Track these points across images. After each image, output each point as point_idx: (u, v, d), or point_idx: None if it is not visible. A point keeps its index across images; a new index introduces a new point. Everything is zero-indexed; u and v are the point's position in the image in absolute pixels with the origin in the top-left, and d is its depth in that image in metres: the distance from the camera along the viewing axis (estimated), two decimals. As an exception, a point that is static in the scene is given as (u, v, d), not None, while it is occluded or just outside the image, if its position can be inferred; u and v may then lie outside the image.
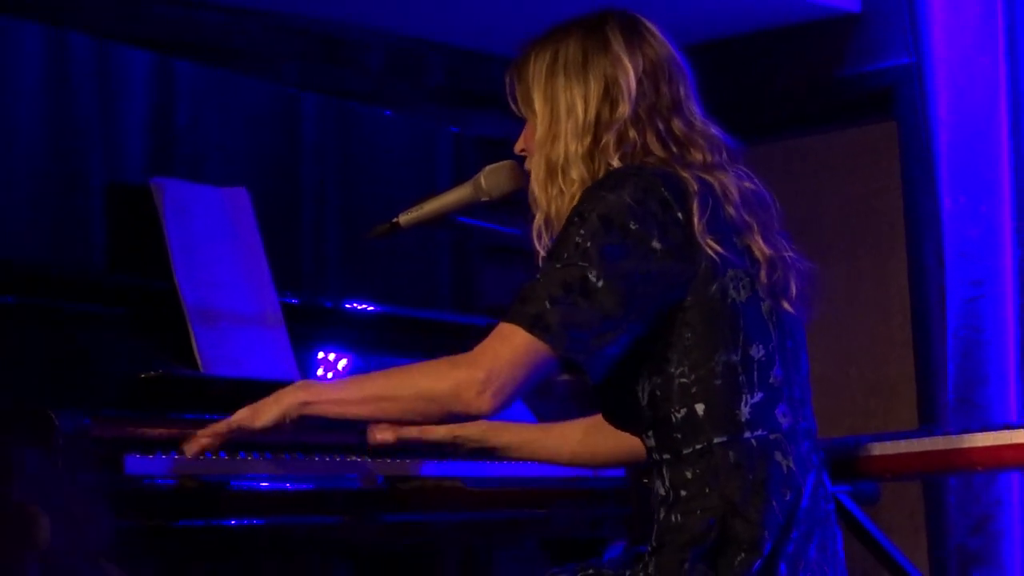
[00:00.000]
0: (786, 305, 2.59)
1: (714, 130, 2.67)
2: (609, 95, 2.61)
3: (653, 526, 2.54)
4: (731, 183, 2.59)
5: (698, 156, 2.60)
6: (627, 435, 2.69)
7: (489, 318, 4.11)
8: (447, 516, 3.37)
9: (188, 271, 3.40)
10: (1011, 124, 4.87)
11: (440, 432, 2.98)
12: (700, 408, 2.51)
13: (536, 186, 2.65)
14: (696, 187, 2.53)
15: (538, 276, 2.50)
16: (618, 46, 2.64)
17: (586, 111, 2.61)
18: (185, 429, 2.81)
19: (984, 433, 3.08)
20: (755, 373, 2.53)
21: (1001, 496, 4.82)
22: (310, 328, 3.66)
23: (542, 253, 2.62)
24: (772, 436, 2.53)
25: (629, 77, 2.62)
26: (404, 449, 3.11)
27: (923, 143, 5.03)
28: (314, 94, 4.27)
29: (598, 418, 2.80)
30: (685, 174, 2.55)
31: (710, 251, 2.50)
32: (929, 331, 5.08)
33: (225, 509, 2.91)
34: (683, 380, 2.52)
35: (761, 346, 2.54)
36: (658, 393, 2.53)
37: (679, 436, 2.53)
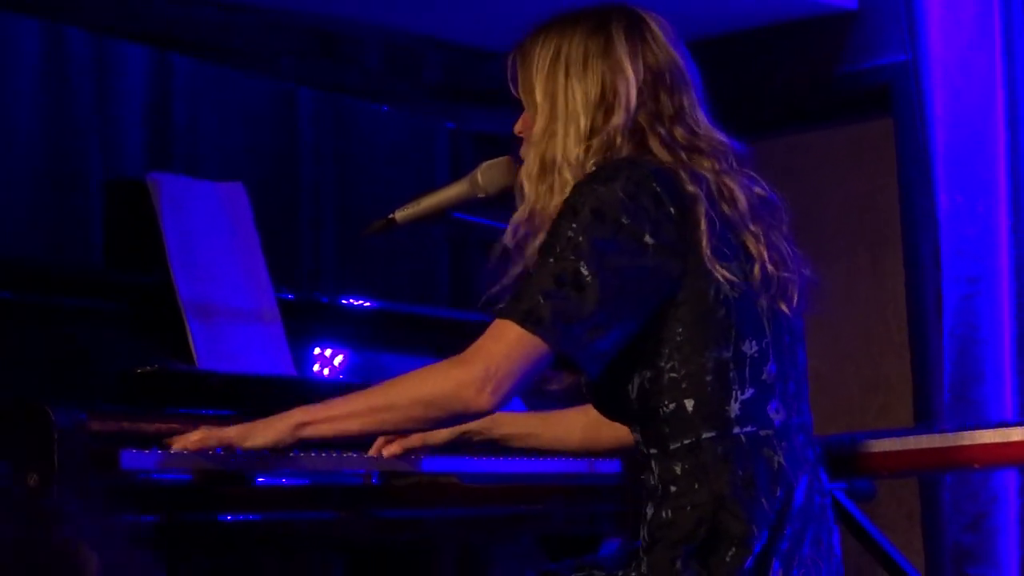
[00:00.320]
0: (782, 304, 2.59)
1: (720, 135, 2.65)
2: (605, 101, 2.60)
3: (643, 520, 2.54)
4: (737, 187, 2.59)
5: (705, 163, 2.59)
6: None
7: (486, 314, 4.11)
8: (444, 512, 3.37)
9: (185, 266, 3.40)
10: (1008, 122, 4.87)
11: (444, 434, 2.98)
12: (689, 403, 2.51)
13: (526, 179, 2.63)
14: (698, 190, 2.52)
15: (532, 270, 2.50)
16: (620, 50, 2.61)
17: (585, 115, 2.60)
18: (181, 424, 2.81)
19: (980, 431, 3.08)
20: (747, 369, 2.53)
21: (997, 493, 4.82)
22: (306, 324, 3.66)
23: (509, 247, 2.62)
24: (763, 433, 2.53)
25: (629, 86, 2.60)
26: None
27: (920, 141, 5.03)
28: (311, 90, 4.28)
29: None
30: (687, 185, 2.53)
31: (718, 275, 2.50)
32: (925, 329, 5.09)
33: (221, 504, 2.91)
34: (673, 375, 2.52)
35: (754, 342, 2.54)
36: (648, 387, 2.53)
37: (667, 430, 2.52)
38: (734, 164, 2.62)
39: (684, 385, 2.51)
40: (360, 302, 3.85)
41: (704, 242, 2.50)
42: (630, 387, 2.55)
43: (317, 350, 3.67)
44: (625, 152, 2.58)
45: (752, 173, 2.65)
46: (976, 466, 3.15)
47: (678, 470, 2.51)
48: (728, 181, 2.58)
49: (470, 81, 5.29)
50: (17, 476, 2.64)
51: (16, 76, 3.53)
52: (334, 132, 4.25)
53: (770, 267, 2.57)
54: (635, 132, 2.60)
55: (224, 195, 3.62)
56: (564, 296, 2.44)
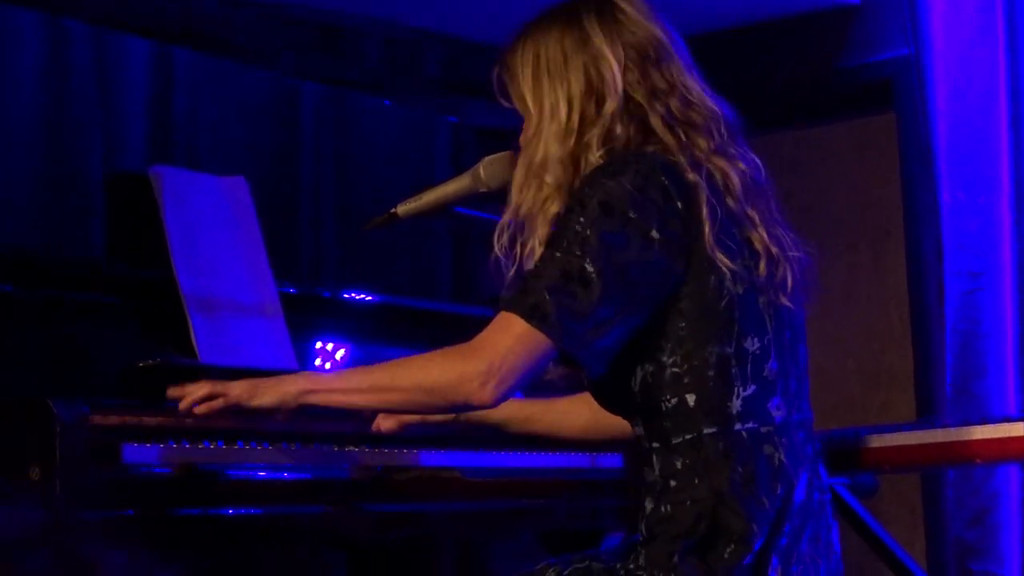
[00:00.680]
0: (784, 299, 2.58)
1: (712, 103, 2.64)
2: (593, 92, 2.60)
3: (642, 514, 2.54)
4: (732, 170, 2.58)
5: (702, 142, 2.59)
6: None
7: (488, 309, 4.11)
8: (444, 507, 3.37)
9: (186, 260, 3.40)
10: (1011, 116, 4.86)
11: (441, 414, 2.98)
12: (691, 398, 2.51)
13: (515, 183, 2.64)
14: (702, 184, 2.52)
15: (537, 264, 2.49)
16: (597, 38, 2.61)
17: (569, 113, 2.59)
18: (183, 418, 2.80)
19: (983, 426, 3.08)
20: (749, 366, 2.53)
21: (999, 489, 4.82)
22: (308, 318, 3.65)
23: (498, 253, 2.62)
24: (763, 429, 2.53)
25: (613, 70, 2.60)
26: (406, 435, 3.11)
27: (922, 135, 5.02)
28: (312, 84, 4.27)
29: None
30: (690, 174, 2.53)
31: (720, 264, 2.49)
32: (928, 323, 5.09)
33: (222, 498, 2.91)
34: (675, 370, 2.51)
35: (756, 339, 2.54)
36: (650, 381, 2.53)
37: (669, 425, 2.52)
38: (726, 136, 2.61)
39: (686, 380, 2.51)
40: (362, 296, 3.85)
41: (708, 237, 2.50)
42: (632, 381, 2.54)
43: (319, 344, 3.67)
44: (629, 135, 2.58)
45: (741, 148, 2.64)
46: (979, 461, 3.14)
47: (679, 465, 2.51)
48: (722, 163, 2.58)
49: (471, 75, 5.29)
50: (19, 470, 2.63)
51: (17, 69, 3.53)
52: (335, 126, 4.25)
53: (774, 251, 2.57)
54: (634, 113, 2.59)
55: (226, 189, 3.62)
56: (569, 292, 2.44)
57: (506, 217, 2.63)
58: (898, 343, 5.28)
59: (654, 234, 2.47)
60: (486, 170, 2.95)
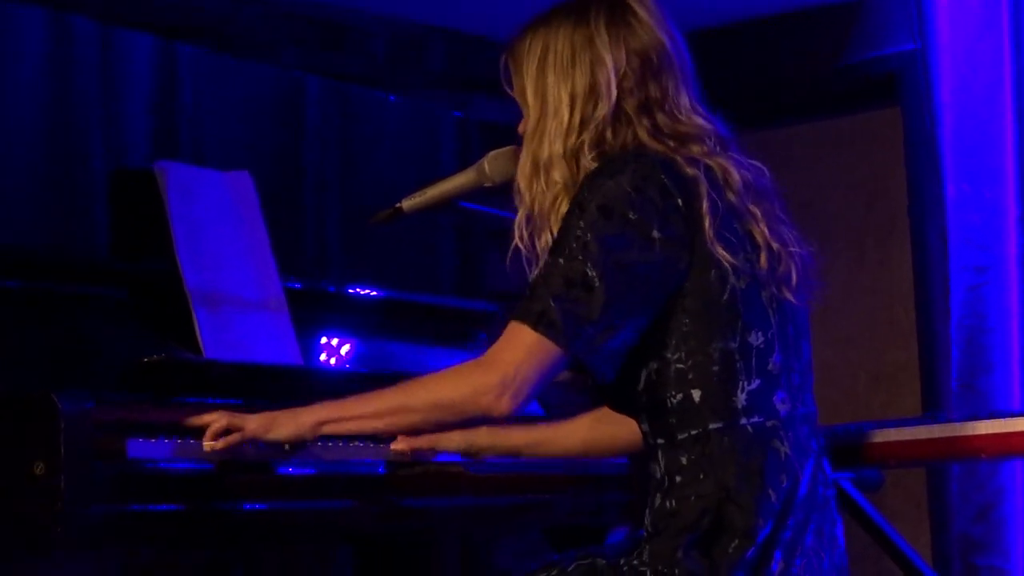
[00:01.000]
0: (787, 293, 2.58)
1: (701, 120, 2.64)
2: (595, 93, 2.60)
3: (647, 510, 2.54)
4: (732, 167, 2.59)
5: (694, 148, 2.59)
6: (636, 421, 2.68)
7: (492, 304, 4.11)
8: (451, 502, 3.37)
9: (191, 255, 3.40)
10: (1016, 110, 4.86)
11: (454, 443, 2.99)
12: (696, 394, 2.51)
13: (521, 181, 2.64)
14: (701, 178, 2.52)
15: (541, 271, 2.50)
16: (601, 40, 2.61)
17: (571, 110, 2.60)
18: (187, 413, 2.80)
19: (988, 420, 3.08)
20: (753, 360, 2.53)
21: (1004, 484, 4.81)
22: (313, 313, 3.65)
23: (521, 248, 2.63)
24: (769, 423, 2.53)
25: (609, 75, 2.59)
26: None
27: (927, 129, 5.02)
28: (317, 78, 4.27)
29: (604, 408, 2.80)
30: (689, 169, 2.53)
31: (720, 258, 2.49)
32: (933, 318, 5.08)
33: (227, 494, 2.91)
34: (680, 366, 2.52)
35: (760, 333, 2.54)
36: (655, 378, 2.53)
37: (674, 421, 2.52)
38: (717, 148, 2.61)
39: (691, 376, 2.51)
40: (367, 291, 3.85)
41: (709, 231, 2.50)
42: (637, 378, 2.55)
43: (324, 339, 3.67)
44: (617, 142, 2.58)
45: (737, 156, 2.64)
46: (984, 456, 3.14)
47: (684, 460, 2.51)
48: (721, 161, 2.58)
49: (476, 69, 5.29)
50: (23, 465, 2.63)
51: (21, 65, 3.53)
52: (340, 121, 4.25)
53: (775, 245, 2.57)
54: (623, 121, 2.59)
55: (231, 184, 3.62)
56: (574, 299, 2.45)
57: (522, 213, 2.63)
58: (903, 338, 5.28)
59: (655, 233, 2.47)
60: (491, 165, 2.95)
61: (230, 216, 3.55)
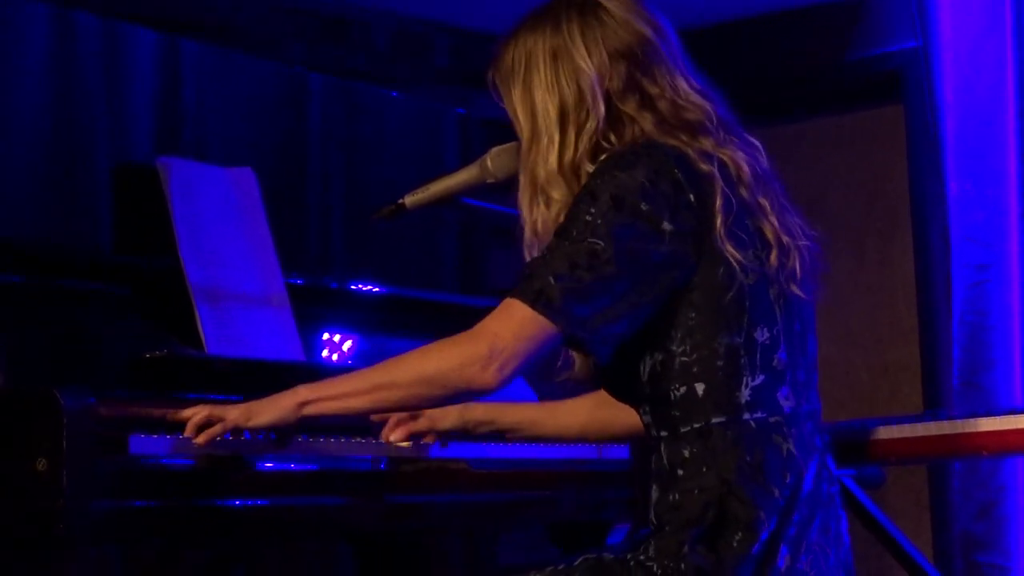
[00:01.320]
0: (795, 288, 2.58)
1: (702, 100, 2.61)
2: (584, 101, 2.58)
3: (648, 502, 2.54)
4: (740, 159, 2.58)
5: (704, 140, 2.58)
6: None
7: (495, 300, 4.11)
8: (452, 498, 3.37)
9: (194, 251, 3.40)
10: (1018, 108, 4.86)
11: (450, 420, 2.97)
12: (700, 388, 2.51)
13: (523, 203, 2.63)
14: (716, 175, 2.51)
15: (545, 252, 2.49)
16: (577, 50, 2.59)
17: (563, 125, 2.58)
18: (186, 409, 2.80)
19: (990, 418, 3.07)
20: (758, 356, 2.53)
21: (1006, 481, 4.82)
22: (315, 309, 3.65)
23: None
24: (772, 419, 2.53)
25: (593, 84, 2.57)
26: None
27: (930, 127, 5.02)
28: (320, 75, 4.27)
29: (604, 393, 2.80)
30: (703, 165, 2.52)
31: (730, 256, 2.49)
32: (935, 315, 5.08)
33: (229, 490, 2.91)
34: (684, 359, 2.51)
35: (766, 329, 2.54)
36: (659, 370, 2.53)
37: (677, 414, 2.52)
38: (721, 131, 2.60)
39: (695, 369, 2.51)
40: (369, 287, 3.85)
41: (720, 227, 2.49)
42: (641, 370, 2.54)
43: (326, 335, 3.67)
44: (622, 142, 2.57)
45: (739, 138, 2.63)
46: (985, 453, 3.14)
47: (687, 454, 2.51)
48: (730, 153, 2.57)
49: (480, 66, 5.27)
50: (26, 461, 2.64)
51: (25, 61, 3.53)
52: (343, 117, 4.25)
53: (785, 239, 2.56)
54: (625, 122, 2.58)
55: (233, 180, 3.62)
56: (576, 279, 2.44)
57: (527, 235, 2.61)
58: (905, 335, 5.28)
59: (665, 226, 2.47)
60: (493, 161, 2.94)
61: (233, 212, 3.56)
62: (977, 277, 4.88)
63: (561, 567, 2.53)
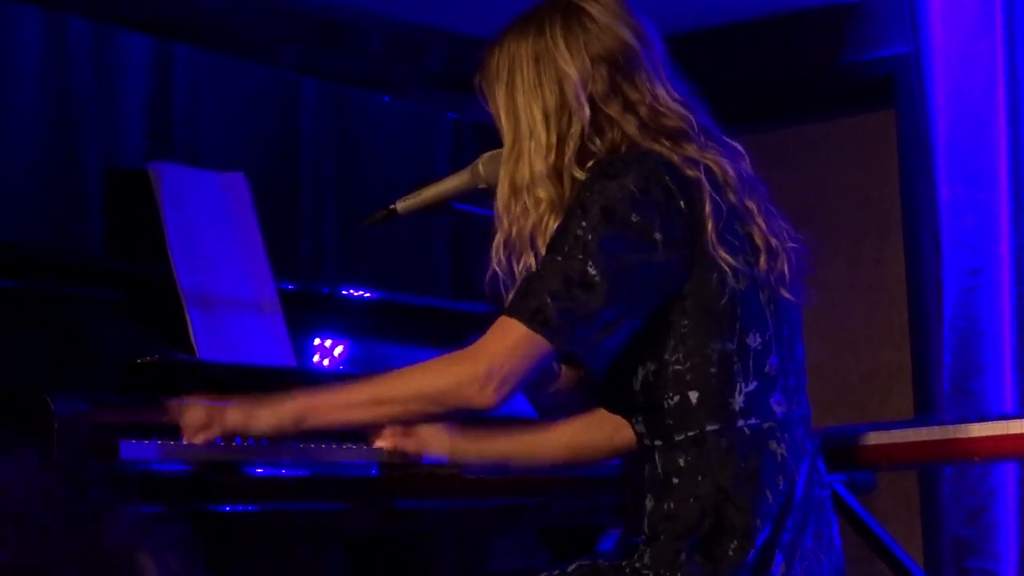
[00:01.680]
0: (784, 292, 2.58)
1: (683, 108, 2.61)
2: (566, 106, 2.58)
3: (642, 512, 2.54)
4: (725, 163, 2.58)
5: (690, 148, 2.58)
6: (623, 426, 2.68)
7: (487, 305, 4.11)
8: (444, 504, 3.37)
9: (185, 256, 3.40)
10: (1009, 113, 4.87)
11: (440, 447, 2.98)
12: (693, 396, 2.51)
13: (500, 204, 2.62)
14: (704, 181, 2.51)
15: (539, 268, 2.49)
16: (560, 54, 2.59)
17: (547, 128, 2.58)
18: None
19: (980, 423, 3.08)
20: (751, 362, 2.53)
21: (996, 487, 4.82)
22: (307, 314, 3.65)
23: (499, 272, 2.61)
24: (766, 425, 2.53)
25: (576, 89, 2.58)
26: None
27: (921, 132, 5.03)
28: (313, 79, 4.27)
29: (592, 413, 2.80)
30: (690, 171, 2.53)
31: (721, 262, 2.49)
32: (926, 320, 5.09)
33: (220, 495, 2.91)
34: (677, 367, 2.51)
35: (758, 335, 2.54)
36: (652, 379, 2.53)
37: (671, 422, 2.52)
38: (702, 137, 2.60)
39: (688, 377, 2.51)
40: (361, 293, 3.85)
41: (711, 233, 2.50)
42: (634, 379, 2.54)
43: (317, 340, 3.67)
44: (606, 146, 2.58)
45: (721, 143, 2.63)
46: (976, 459, 3.15)
47: (681, 462, 2.51)
48: (715, 157, 2.57)
49: (473, 71, 5.28)
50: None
51: (17, 65, 3.53)
52: (336, 121, 4.25)
53: (774, 243, 2.57)
54: (610, 126, 2.59)
55: (225, 185, 3.62)
56: (571, 297, 2.44)
57: (499, 238, 2.61)
58: (896, 340, 5.29)
59: (657, 235, 2.47)
60: (485, 166, 2.94)
61: (224, 217, 3.55)
62: (968, 282, 4.89)
63: (556, 573, 2.53)
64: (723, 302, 2.50)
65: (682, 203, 2.49)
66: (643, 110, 2.59)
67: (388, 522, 3.29)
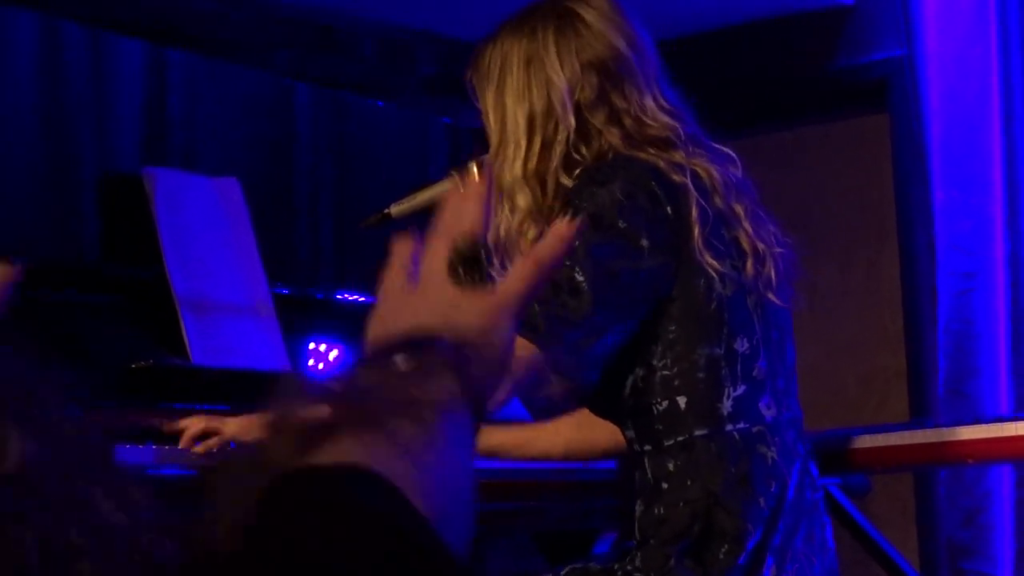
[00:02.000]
0: (771, 296, 2.59)
1: (669, 119, 2.61)
2: (553, 112, 2.58)
3: (633, 516, 2.54)
4: (712, 168, 2.58)
5: (676, 155, 2.57)
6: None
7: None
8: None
9: (179, 261, 3.40)
10: (1003, 117, 4.87)
11: None
12: (682, 401, 2.51)
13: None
14: (690, 186, 2.51)
15: None
16: (550, 60, 2.59)
17: (530, 134, 2.58)
18: (175, 419, 2.80)
19: (975, 426, 3.08)
20: (739, 366, 2.53)
21: (991, 489, 4.82)
22: (301, 318, 3.65)
23: (493, 275, 2.61)
24: (755, 429, 2.53)
25: (563, 96, 2.57)
26: None
27: (915, 136, 5.03)
28: (307, 84, 4.27)
29: (585, 412, 2.80)
30: (676, 176, 2.53)
31: (708, 267, 2.49)
32: (920, 323, 5.09)
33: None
34: (666, 372, 2.52)
35: (745, 339, 2.54)
36: (640, 384, 2.53)
37: (660, 428, 2.53)
38: (691, 147, 2.60)
39: (676, 383, 2.51)
40: (355, 297, 3.85)
41: (698, 238, 2.50)
42: (623, 385, 2.55)
43: (312, 345, 3.67)
44: (591, 153, 2.57)
45: (709, 149, 2.62)
46: (971, 461, 3.15)
47: (671, 467, 2.51)
48: (701, 162, 2.57)
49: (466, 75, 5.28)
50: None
51: (11, 70, 3.53)
52: (330, 126, 4.25)
53: (761, 247, 2.57)
54: (593, 134, 2.58)
55: (219, 190, 3.62)
56: (560, 304, 2.44)
57: (491, 238, 2.61)
58: (891, 343, 5.28)
59: (643, 242, 2.47)
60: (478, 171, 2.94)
61: (218, 222, 3.56)
62: (963, 285, 4.89)
63: (548, 577, 2.54)
64: (710, 307, 2.51)
65: (668, 209, 2.49)
66: (628, 121, 2.58)
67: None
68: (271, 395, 1.17)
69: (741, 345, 2.53)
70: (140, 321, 3.31)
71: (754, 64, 5.46)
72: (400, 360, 1.24)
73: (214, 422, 2.72)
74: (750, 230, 2.57)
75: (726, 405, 2.52)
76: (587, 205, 2.47)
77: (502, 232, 2.59)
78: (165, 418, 2.83)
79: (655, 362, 2.52)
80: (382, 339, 1.29)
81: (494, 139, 2.63)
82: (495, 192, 2.61)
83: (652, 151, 2.56)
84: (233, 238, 3.56)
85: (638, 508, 2.53)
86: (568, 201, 2.50)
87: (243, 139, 4.02)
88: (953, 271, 4.90)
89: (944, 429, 3.11)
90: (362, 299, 3.85)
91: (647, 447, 2.54)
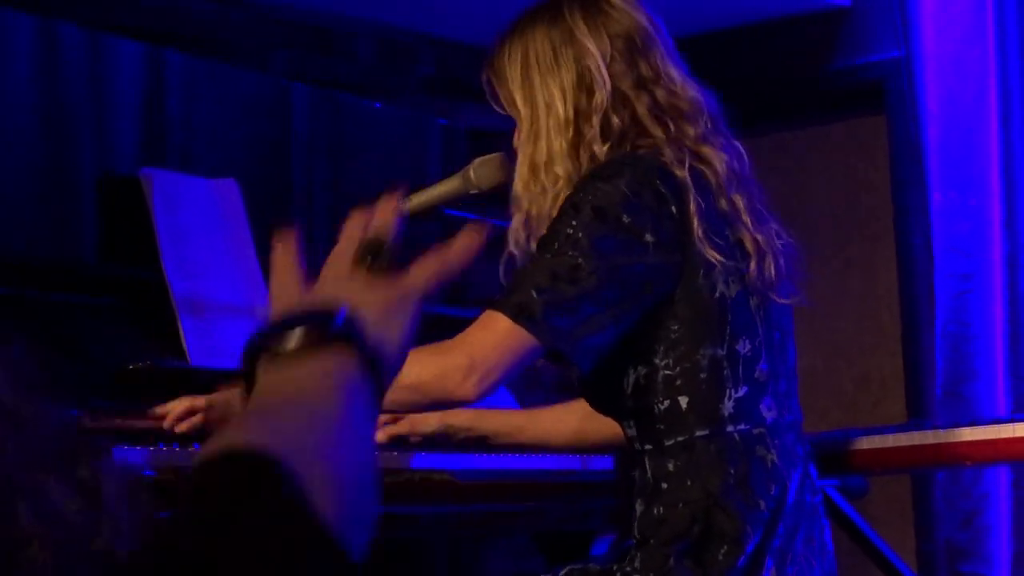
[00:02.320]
0: (773, 295, 2.59)
1: (695, 92, 2.65)
2: (584, 84, 2.60)
3: (632, 516, 2.54)
4: (717, 160, 2.59)
5: (690, 130, 2.59)
6: None
7: (477, 311, 4.11)
8: (437, 509, 3.36)
9: (177, 262, 3.40)
10: (1001, 118, 4.87)
11: (431, 424, 2.98)
12: (683, 401, 2.51)
13: (519, 185, 2.64)
14: (689, 183, 2.52)
15: (527, 265, 2.50)
16: (580, 32, 2.62)
17: (564, 106, 2.60)
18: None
19: (972, 427, 3.08)
20: (740, 368, 2.53)
21: (989, 490, 4.82)
22: (299, 320, 3.64)
23: (515, 253, 2.62)
24: (756, 431, 2.54)
25: (598, 62, 2.60)
26: (396, 441, 3.11)
27: (912, 137, 5.03)
28: (305, 85, 4.27)
29: None
30: (679, 172, 2.53)
31: (710, 258, 2.50)
32: (918, 325, 5.09)
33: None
34: (668, 372, 2.52)
35: (748, 341, 2.54)
36: (642, 383, 2.53)
37: (662, 427, 2.53)
38: (710, 125, 2.62)
39: (679, 382, 2.51)
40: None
41: (699, 231, 2.50)
42: (624, 383, 2.55)
43: (309, 346, 3.66)
44: (623, 126, 2.58)
45: (724, 136, 2.64)
46: (968, 463, 3.16)
47: (671, 467, 2.51)
48: (708, 152, 2.58)
49: (464, 76, 5.29)
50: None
51: (9, 71, 3.53)
52: (328, 128, 4.25)
53: (762, 241, 2.57)
54: (623, 104, 2.60)
55: (217, 191, 3.62)
56: (558, 292, 2.44)
57: (518, 218, 2.62)
58: (889, 345, 5.29)
59: (648, 238, 2.48)
60: (476, 172, 2.94)
61: (216, 224, 3.56)
62: (960, 287, 4.89)
63: (547, 579, 2.54)
64: (713, 308, 2.51)
65: (673, 208, 2.50)
66: (658, 90, 2.61)
67: (381, 528, 3.28)
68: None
69: (743, 347, 2.54)
70: (138, 322, 3.31)
71: (751, 65, 5.47)
72: (299, 332, 1.32)
73: (198, 401, 2.73)
74: (749, 223, 2.58)
75: (727, 406, 2.52)
76: (591, 199, 2.47)
77: (534, 211, 2.59)
78: (163, 419, 2.83)
79: (657, 361, 2.52)
80: (282, 312, 1.38)
81: (525, 119, 2.63)
82: (528, 172, 2.61)
83: (670, 124, 2.57)
84: (231, 239, 3.56)
85: (638, 507, 2.53)
86: (570, 195, 2.51)
87: (241, 140, 4.02)
88: (950, 273, 4.91)
89: (941, 431, 3.12)
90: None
91: (648, 446, 2.54)
